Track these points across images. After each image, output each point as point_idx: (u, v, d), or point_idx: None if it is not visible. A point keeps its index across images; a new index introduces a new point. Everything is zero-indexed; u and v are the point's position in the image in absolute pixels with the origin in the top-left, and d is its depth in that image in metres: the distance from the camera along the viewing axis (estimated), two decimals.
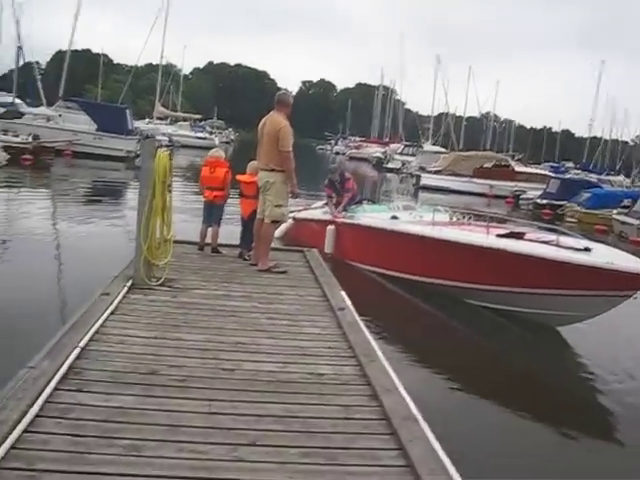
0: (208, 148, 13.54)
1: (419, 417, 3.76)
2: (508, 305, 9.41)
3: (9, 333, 6.55)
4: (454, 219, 11.51)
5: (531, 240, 9.61)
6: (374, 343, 5.18)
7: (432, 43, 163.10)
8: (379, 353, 4.90)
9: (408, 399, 4.03)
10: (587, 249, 8.96)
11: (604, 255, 8.78)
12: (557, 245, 9.16)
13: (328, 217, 12.68)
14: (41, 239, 12.29)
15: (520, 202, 31.25)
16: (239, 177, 8.70)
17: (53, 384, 3.80)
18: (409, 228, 10.77)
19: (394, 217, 11.51)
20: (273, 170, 7.59)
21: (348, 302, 6.34)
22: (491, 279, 9.45)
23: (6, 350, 5.72)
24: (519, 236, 9.80)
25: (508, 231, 10.16)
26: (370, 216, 11.86)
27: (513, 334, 9.19)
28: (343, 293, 6.66)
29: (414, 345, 8.33)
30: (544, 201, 27.84)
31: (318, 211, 13.74)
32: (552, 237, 9.50)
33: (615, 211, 23.61)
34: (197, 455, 3.18)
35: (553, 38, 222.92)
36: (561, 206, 26.19)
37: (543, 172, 40.49)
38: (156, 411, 3.65)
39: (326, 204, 13.25)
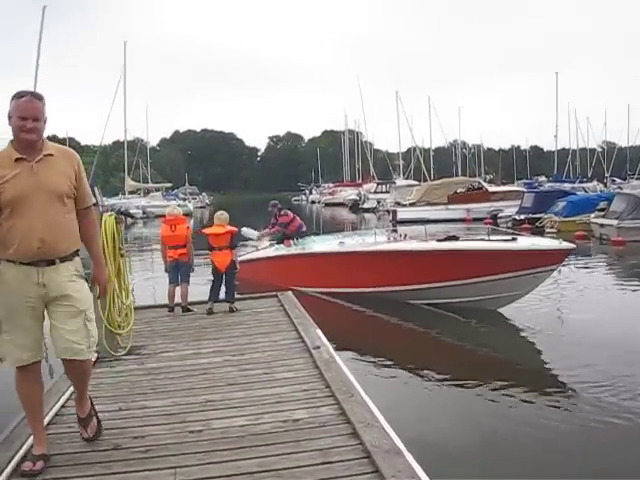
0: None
1: (402, 449, 3.45)
2: (453, 298, 10.61)
3: None
4: (391, 238, 12.64)
5: (465, 240, 11.31)
6: (351, 376, 4.87)
7: (391, 81, 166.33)
8: (357, 386, 4.60)
9: (390, 430, 3.73)
10: (513, 239, 10.63)
11: (527, 242, 10.61)
12: (488, 240, 10.89)
13: (280, 252, 13.27)
14: None
15: (499, 221, 31.11)
16: (206, 230, 8.48)
17: (2, 478, 3.45)
18: (357, 248, 12.13)
19: (341, 243, 12.61)
20: (65, 258, 3.65)
21: (324, 339, 6.05)
22: (435, 277, 10.61)
23: None
24: (455, 238, 11.29)
25: (445, 236, 11.61)
26: (320, 244, 12.96)
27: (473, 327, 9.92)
28: (318, 331, 6.38)
29: (386, 356, 8.48)
30: (521, 216, 27.64)
31: (268, 250, 13.94)
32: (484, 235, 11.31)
33: (592, 215, 23.46)
34: None
35: (506, 60, 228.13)
36: (539, 219, 26.03)
37: (516, 188, 40.46)
38: None
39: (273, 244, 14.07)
